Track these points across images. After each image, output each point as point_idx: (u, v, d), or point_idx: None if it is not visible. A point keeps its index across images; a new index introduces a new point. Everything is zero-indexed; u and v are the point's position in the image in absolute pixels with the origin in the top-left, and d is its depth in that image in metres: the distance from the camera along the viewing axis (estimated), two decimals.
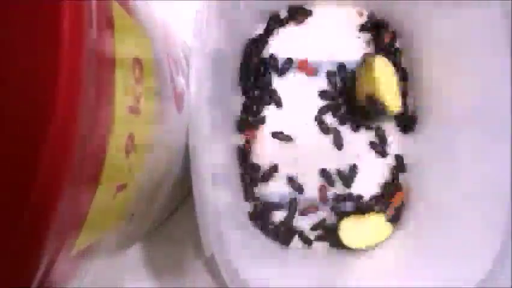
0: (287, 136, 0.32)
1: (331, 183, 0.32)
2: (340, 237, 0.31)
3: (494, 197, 0.24)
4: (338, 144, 0.32)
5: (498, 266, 0.22)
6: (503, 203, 0.23)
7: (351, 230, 0.31)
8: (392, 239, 0.31)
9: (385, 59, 0.31)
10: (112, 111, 0.12)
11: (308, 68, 0.33)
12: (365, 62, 0.31)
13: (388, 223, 0.31)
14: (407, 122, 0.32)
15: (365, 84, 0.31)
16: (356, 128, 0.33)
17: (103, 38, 0.12)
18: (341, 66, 0.33)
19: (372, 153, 0.32)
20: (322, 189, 0.32)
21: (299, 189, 0.32)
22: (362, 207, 0.32)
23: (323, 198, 0.32)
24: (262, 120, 0.33)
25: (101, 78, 0.11)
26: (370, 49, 0.33)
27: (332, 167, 0.32)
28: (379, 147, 0.32)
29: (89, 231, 0.13)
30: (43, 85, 0.10)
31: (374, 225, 0.31)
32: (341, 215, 0.32)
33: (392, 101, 0.31)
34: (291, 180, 0.32)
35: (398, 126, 0.33)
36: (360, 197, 0.32)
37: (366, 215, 0.31)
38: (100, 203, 0.13)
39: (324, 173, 0.32)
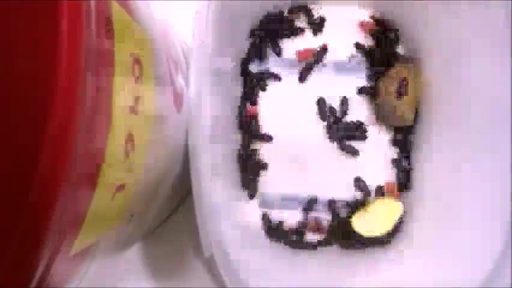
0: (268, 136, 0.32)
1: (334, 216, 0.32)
2: (357, 232, 0.31)
3: (494, 197, 0.24)
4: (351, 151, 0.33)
5: (499, 266, 0.22)
6: (503, 203, 0.23)
7: (364, 221, 0.31)
8: (394, 240, 0.31)
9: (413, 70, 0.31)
10: (111, 111, 0.12)
11: (309, 54, 0.33)
12: (391, 71, 0.31)
13: (396, 202, 0.31)
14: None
15: (388, 94, 0.31)
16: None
17: (102, 38, 0.12)
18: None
19: (373, 153, 0.32)
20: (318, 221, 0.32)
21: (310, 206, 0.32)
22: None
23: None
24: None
25: (100, 78, 0.11)
26: (371, 48, 0.33)
27: (332, 165, 0.32)
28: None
29: (88, 232, 0.13)
30: (42, 85, 0.10)
31: (384, 208, 0.31)
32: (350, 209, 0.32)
33: (409, 113, 0.31)
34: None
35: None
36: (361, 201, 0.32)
37: (373, 203, 0.31)
38: (99, 204, 0.13)
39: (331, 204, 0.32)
